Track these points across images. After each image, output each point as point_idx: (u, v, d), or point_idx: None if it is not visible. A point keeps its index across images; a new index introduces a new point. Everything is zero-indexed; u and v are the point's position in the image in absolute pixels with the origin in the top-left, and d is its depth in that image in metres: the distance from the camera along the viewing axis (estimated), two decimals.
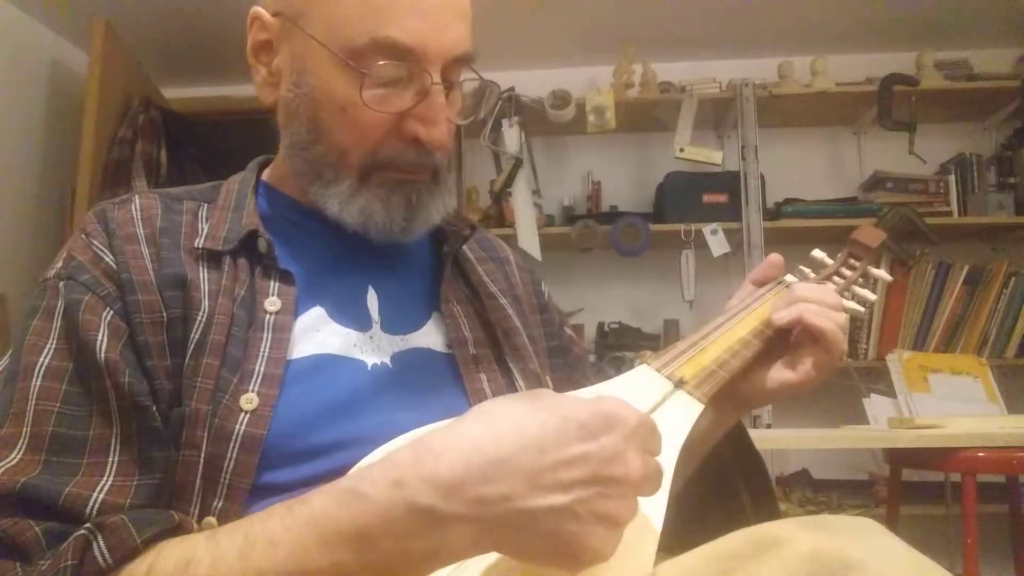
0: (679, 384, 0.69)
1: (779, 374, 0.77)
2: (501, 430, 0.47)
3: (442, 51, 0.69)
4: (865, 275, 0.92)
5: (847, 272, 0.90)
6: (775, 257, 0.86)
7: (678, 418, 0.66)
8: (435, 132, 0.70)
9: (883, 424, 2.01)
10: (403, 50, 0.67)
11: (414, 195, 0.72)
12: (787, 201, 2.80)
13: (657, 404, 0.66)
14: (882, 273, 0.94)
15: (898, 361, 2.16)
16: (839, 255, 0.92)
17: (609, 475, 0.47)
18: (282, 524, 0.49)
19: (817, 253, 0.91)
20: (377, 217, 0.71)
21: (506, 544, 0.48)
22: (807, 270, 0.91)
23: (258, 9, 0.74)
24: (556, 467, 0.46)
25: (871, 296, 0.88)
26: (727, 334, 0.77)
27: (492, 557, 0.52)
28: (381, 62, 0.67)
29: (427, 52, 0.68)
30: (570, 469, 0.47)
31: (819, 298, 0.77)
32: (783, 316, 0.77)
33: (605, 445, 0.47)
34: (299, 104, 0.72)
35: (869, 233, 0.92)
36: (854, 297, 0.88)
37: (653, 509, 0.57)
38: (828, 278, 0.89)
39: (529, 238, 2.66)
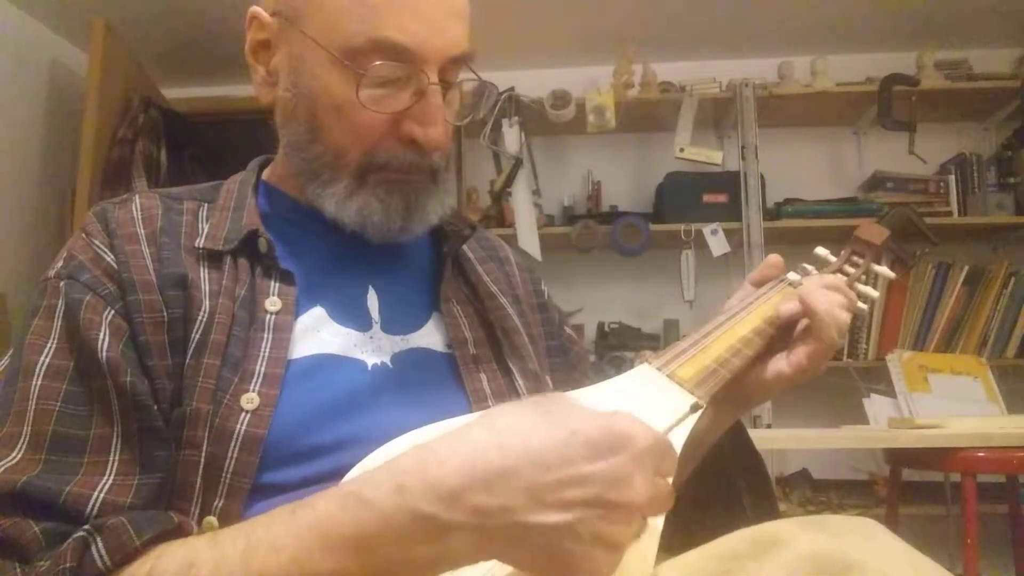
0: (696, 407, 0.67)
1: (774, 367, 0.77)
2: (507, 440, 0.47)
3: (439, 51, 0.69)
4: (868, 272, 0.92)
5: (850, 269, 0.90)
6: (774, 258, 0.86)
7: (679, 418, 0.66)
8: (432, 133, 0.70)
9: (883, 424, 2.01)
10: (400, 50, 0.67)
11: (412, 196, 0.72)
12: (787, 201, 2.81)
13: (673, 425, 0.64)
14: (885, 270, 0.94)
15: (898, 361, 2.16)
16: (842, 252, 0.92)
17: (612, 499, 0.46)
18: (285, 528, 0.49)
19: (820, 250, 0.91)
20: (375, 217, 0.71)
21: (505, 554, 0.48)
22: (809, 267, 0.91)
23: (256, 9, 0.74)
24: (559, 485, 0.46)
25: (873, 293, 0.88)
26: (728, 333, 0.76)
27: (492, 565, 0.52)
28: (378, 62, 0.67)
29: (424, 52, 0.68)
30: (573, 488, 0.46)
31: (826, 281, 0.78)
32: (789, 307, 0.77)
33: (611, 467, 0.46)
34: (296, 104, 0.72)
35: (873, 230, 0.92)
36: (857, 294, 0.88)
37: None
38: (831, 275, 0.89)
39: (529, 238, 2.66)
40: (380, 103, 0.68)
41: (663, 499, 0.49)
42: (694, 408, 0.67)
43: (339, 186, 0.71)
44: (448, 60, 0.70)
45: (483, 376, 0.74)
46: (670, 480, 0.50)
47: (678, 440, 0.64)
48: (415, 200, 0.72)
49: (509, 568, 0.51)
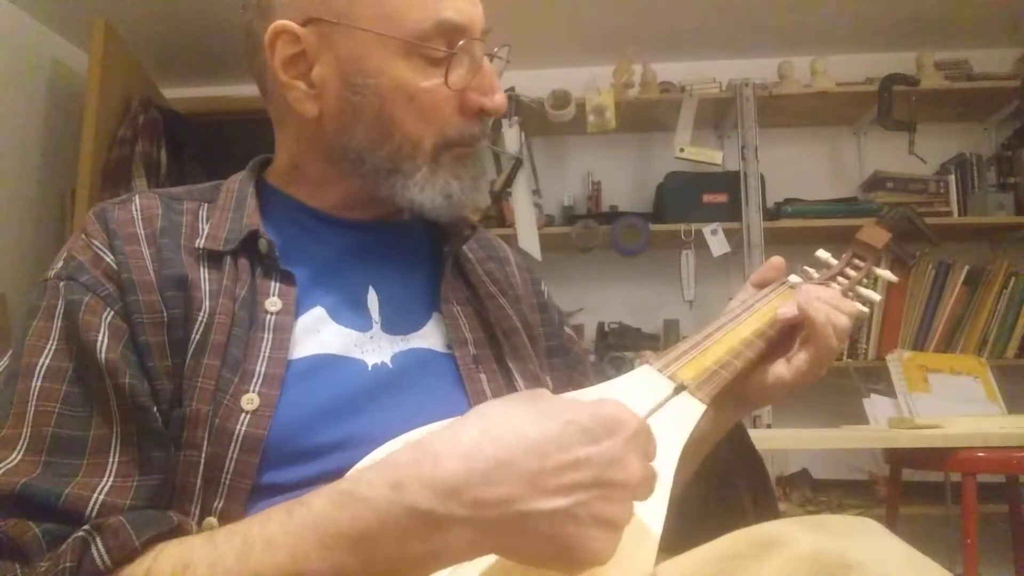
0: (680, 388, 0.68)
1: (775, 371, 0.77)
2: (501, 432, 0.47)
3: (480, 24, 0.72)
4: (869, 275, 0.92)
5: (851, 272, 0.90)
6: (776, 260, 0.86)
7: (680, 419, 0.66)
8: (498, 99, 0.73)
9: (883, 424, 2.01)
10: (459, 28, 0.70)
11: (477, 165, 0.76)
12: (787, 201, 2.81)
13: (656, 407, 0.66)
14: (887, 273, 0.94)
15: (898, 361, 2.16)
16: (843, 255, 0.92)
17: (610, 479, 0.47)
18: (281, 527, 0.49)
19: (821, 253, 0.91)
20: (455, 196, 0.73)
21: (505, 546, 0.48)
22: (811, 270, 0.91)
23: (282, 23, 0.71)
24: (558, 470, 0.46)
25: (875, 296, 0.88)
26: (730, 335, 0.77)
27: (490, 559, 0.52)
28: (461, 42, 0.70)
29: (473, 27, 0.71)
30: (571, 472, 0.47)
31: (821, 295, 0.78)
32: (788, 310, 0.77)
33: (606, 449, 0.47)
34: (360, 105, 0.71)
35: (874, 233, 0.92)
36: (858, 297, 0.88)
37: (654, 509, 0.57)
38: (832, 278, 0.89)
39: (529, 238, 2.66)
40: (454, 82, 0.71)
41: (652, 480, 0.50)
42: (677, 390, 0.68)
43: (419, 174, 0.72)
44: (483, 31, 0.73)
45: (483, 376, 0.74)
46: (655, 461, 0.51)
47: (680, 438, 0.65)
48: (479, 169, 0.76)
49: (510, 566, 0.51)
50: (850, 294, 0.88)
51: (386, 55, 0.69)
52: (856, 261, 0.92)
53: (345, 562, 0.47)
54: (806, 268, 0.91)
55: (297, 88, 0.72)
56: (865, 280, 0.90)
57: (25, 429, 0.58)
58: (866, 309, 0.87)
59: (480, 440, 0.47)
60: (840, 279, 0.89)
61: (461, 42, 0.70)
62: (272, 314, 0.68)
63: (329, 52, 0.71)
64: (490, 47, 0.76)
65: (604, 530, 0.47)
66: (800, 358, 0.76)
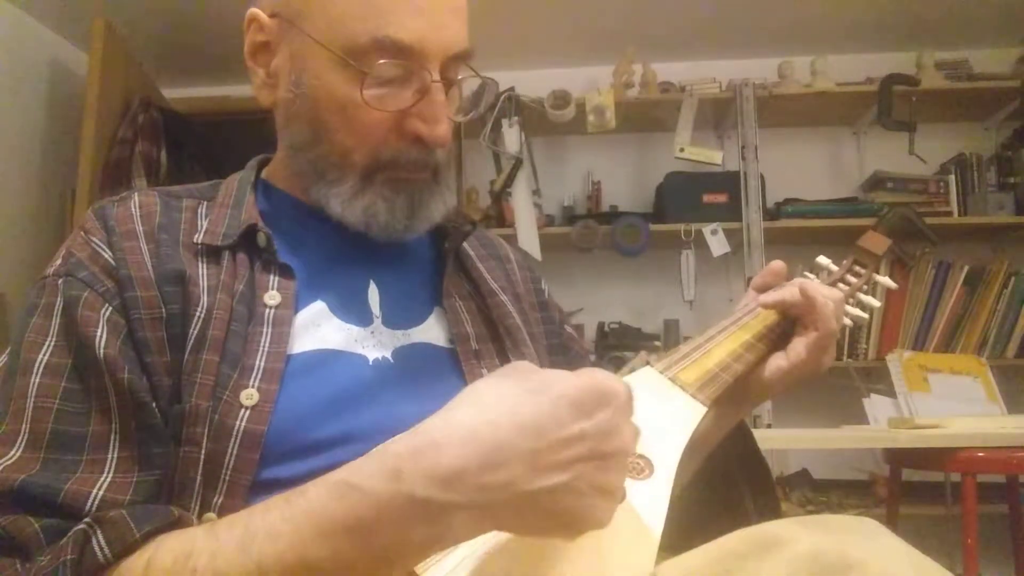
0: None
1: (773, 363, 0.78)
2: (496, 415, 0.48)
3: (441, 49, 0.69)
4: (870, 282, 0.92)
5: (852, 279, 0.90)
6: (777, 264, 0.86)
7: (681, 420, 0.66)
8: (437, 129, 0.70)
9: (883, 424, 2.01)
10: (403, 48, 0.67)
11: (416, 194, 0.72)
12: (787, 201, 2.80)
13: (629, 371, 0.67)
14: (887, 280, 0.94)
15: (898, 361, 2.16)
16: (844, 261, 0.93)
17: (606, 450, 0.48)
18: (281, 516, 0.50)
19: (822, 259, 0.92)
20: (380, 217, 0.71)
21: (507, 524, 0.49)
22: (811, 275, 0.91)
23: (255, 11, 0.74)
24: (555, 447, 0.47)
25: (875, 303, 0.89)
26: (731, 337, 0.77)
27: (491, 536, 0.53)
28: (381, 61, 0.67)
29: (426, 50, 0.68)
30: (569, 448, 0.47)
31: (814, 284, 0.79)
32: (770, 295, 0.78)
33: (600, 421, 0.48)
34: (299, 105, 0.72)
35: (875, 240, 0.93)
36: (858, 304, 0.89)
37: (654, 508, 0.57)
38: (832, 285, 0.89)
39: (529, 238, 2.66)
40: (384, 102, 0.69)
41: (637, 438, 0.52)
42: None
43: (345, 186, 0.71)
44: (449, 57, 0.70)
45: (484, 371, 0.74)
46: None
47: (681, 440, 0.65)
48: (419, 199, 0.73)
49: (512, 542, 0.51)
50: (851, 300, 0.88)
51: (324, 63, 0.69)
52: (856, 268, 0.92)
53: (345, 549, 0.48)
54: (806, 273, 0.91)
55: (258, 74, 0.75)
56: (865, 287, 0.91)
57: (24, 425, 0.58)
58: (866, 316, 0.88)
59: (475, 424, 0.48)
60: (840, 286, 0.89)
61: (381, 62, 0.67)
62: (271, 308, 0.68)
63: (285, 47, 0.73)
64: (464, 72, 0.73)
65: (603, 498, 0.48)
66: (798, 344, 0.77)
